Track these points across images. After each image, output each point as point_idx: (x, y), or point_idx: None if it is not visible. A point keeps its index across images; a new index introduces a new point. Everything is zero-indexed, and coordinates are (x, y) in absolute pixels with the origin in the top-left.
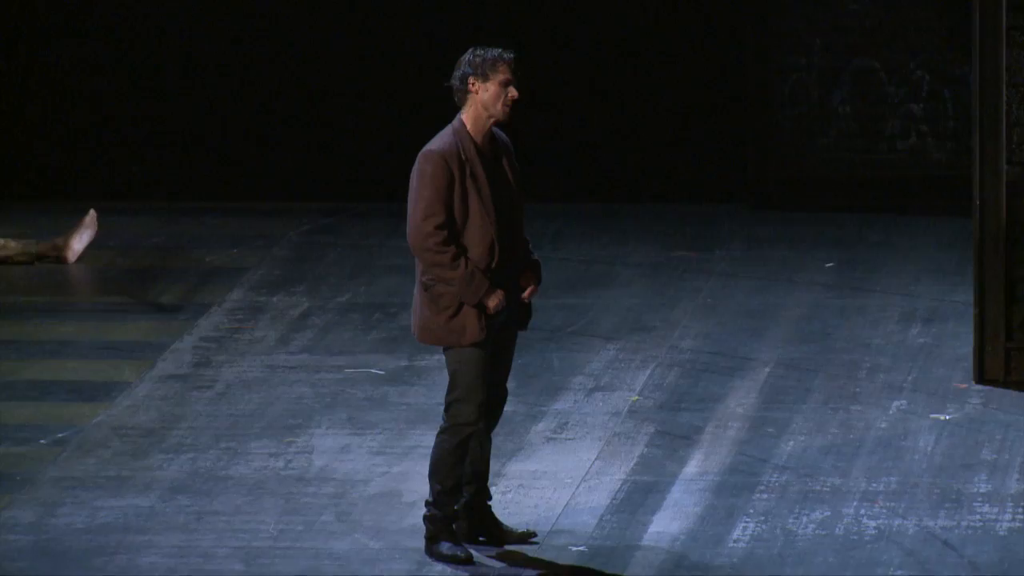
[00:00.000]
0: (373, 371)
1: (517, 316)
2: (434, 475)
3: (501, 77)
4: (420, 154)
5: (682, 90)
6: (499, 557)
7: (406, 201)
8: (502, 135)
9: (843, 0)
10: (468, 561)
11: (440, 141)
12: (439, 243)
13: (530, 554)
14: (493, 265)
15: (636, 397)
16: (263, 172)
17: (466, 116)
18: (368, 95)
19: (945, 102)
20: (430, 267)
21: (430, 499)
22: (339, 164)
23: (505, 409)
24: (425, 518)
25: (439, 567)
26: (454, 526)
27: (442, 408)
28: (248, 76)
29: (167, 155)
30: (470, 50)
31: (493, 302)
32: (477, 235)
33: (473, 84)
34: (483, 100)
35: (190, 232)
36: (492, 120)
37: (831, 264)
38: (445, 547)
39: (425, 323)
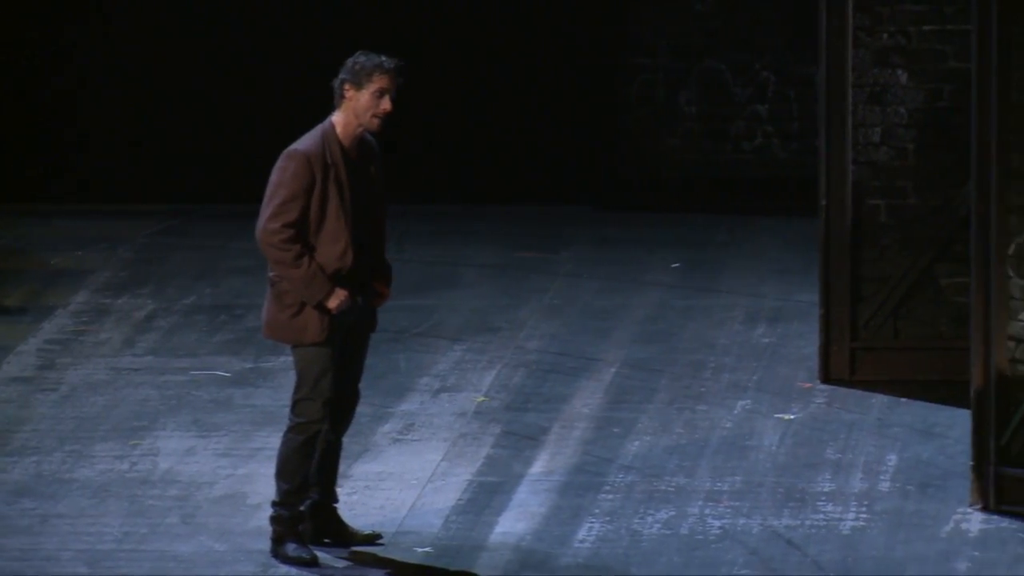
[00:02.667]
0: (218, 373)
1: (369, 318)
2: (281, 474)
3: (376, 87)
4: (285, 152)
5: (530, 91)
6: (345, 558)
7: (260, 198)
8: (372, 140)
9: (689, 2)
10: (314, 563)
11: (308, 141)
12: (283, 240)
13: (376, 555)
14: (345, 268)
15: (482, 398)
16: (108, 174)
17: (337, 119)
18: (215, 98)
19: (790, 103)
20: (274, 264)
21: (277, 499)
22: (185, 166)
23: None
24: (271, 519)
25: (284, 569)
26: (300, 527)
27: (288, 408)
28: (92, 76)
29: (10, 156)
30: (357, 54)
31: (334, 303)
32: (331, 237)
33: (348, 90)
34: (355, 108)
35: (35, 234)
36: (361, 128)
37: (677, 264)
38: (291, 548)
39: (270, 319)
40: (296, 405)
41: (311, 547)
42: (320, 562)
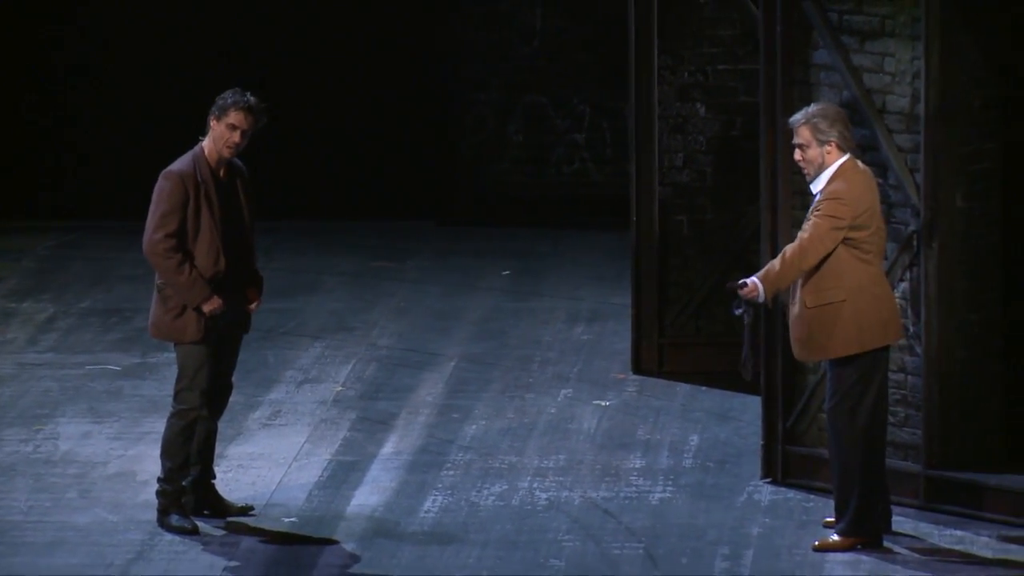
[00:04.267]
0: (110, 367)
1: (242, 321)
2: (165, 454)
3: (230, 120)
4: (162, 173)
5: (380, 123)
6: (222, 528)
7: (146, 215)
8: (239, 163)
9: (515, 43)
10: (195, 532)
11: (181, 163)
12: (167, 250)
13: (248, 525)
14: (220, 273)
15: (340, 388)
16: (12, 194)
17: (206, 144)
18: (107, 126)
19: (604, 132)
20: (160, 272)
21: (162, 476)
22: (81, 185)
23: None
24: (157, 493)
25: (169, 536)
26: (183, 500)
27: (171, 397)
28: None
29: None
30: (228, 91)
31: (209, 307)
32: (205, 246)
33: (212, 120)
34: (214, 136)
35: None
36: (219, 154)
37: (507, 272)
38: (175, 519)
39: (155, 320)
40: (177, 395)
41: (192, 518)
42: (200, 531)
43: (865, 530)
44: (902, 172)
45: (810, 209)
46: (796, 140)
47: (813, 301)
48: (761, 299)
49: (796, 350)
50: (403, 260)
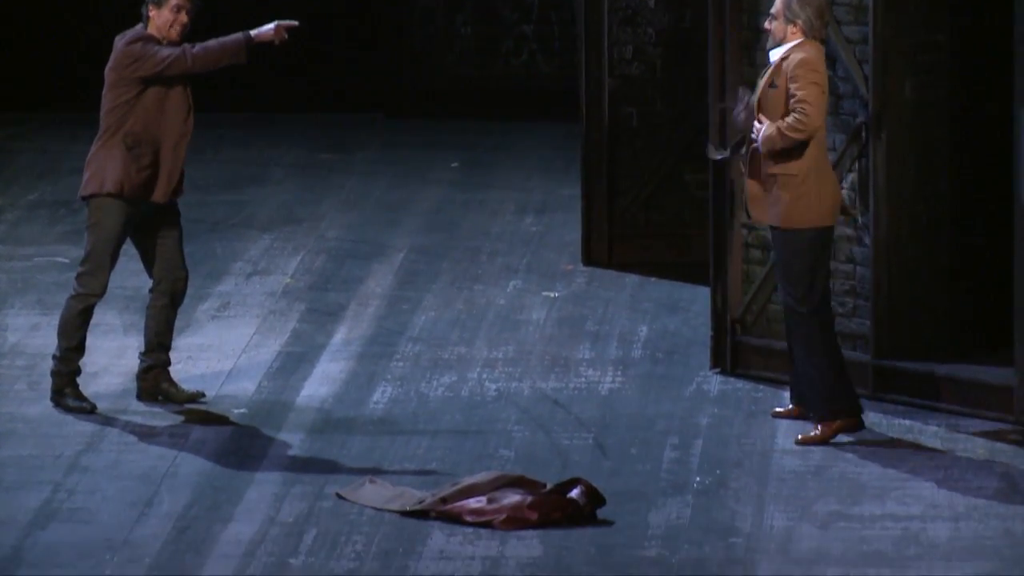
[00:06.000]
0: (59, 259)
1: (173, 208)
2: (62, 335)
3: (173, 3)
4: (131, 37)
5: (327, 13)
6: (170, 418)
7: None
8: None
9: None
10: (92, 410)
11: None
12: (187, 51)
13: (198, 415)
14: (187, 134)
15: (289, 279)
16: None
17: (151, 32)
18: (56, 14)
19: (553, 24)
20: (209, 58)
21: (57, 354)
22: (28, 76)
23: None
24: (52, 373)
25: (119, 428)
26: (77, 379)
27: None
28: None
29: None
30: None
31: (268, 34)
32: (176, 102)
33: (151, 10)
34: (158, 24)
35: None
36: (166, 41)
37: (456, 164)
38: (71, 401)
39: (121, 177)
40: (80, 277)
41: (89, 398)
42: (99, 410)
43: (843, 408)
44: (850, 63)
45: (765, 76)
46: (772, 8)
47: (775, 169)
48: (755, 133)
49: (751, 208)
50: (351, 152)
